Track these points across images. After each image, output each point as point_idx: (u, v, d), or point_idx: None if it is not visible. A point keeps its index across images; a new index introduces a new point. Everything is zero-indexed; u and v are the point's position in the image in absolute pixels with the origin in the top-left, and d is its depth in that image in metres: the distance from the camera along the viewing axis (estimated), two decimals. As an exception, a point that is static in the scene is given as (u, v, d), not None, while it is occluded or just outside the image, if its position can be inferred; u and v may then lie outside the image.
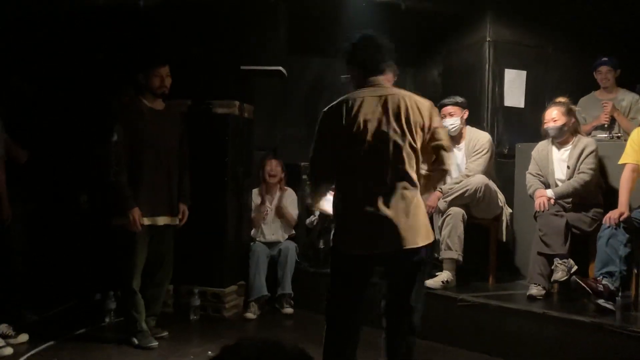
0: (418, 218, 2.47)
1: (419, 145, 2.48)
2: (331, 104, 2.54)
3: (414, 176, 2.49)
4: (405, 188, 2.45)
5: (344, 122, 2.45)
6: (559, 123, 4.01)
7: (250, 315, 4.50)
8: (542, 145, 4.21)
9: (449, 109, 4.39)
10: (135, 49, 4.54)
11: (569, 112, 4.07)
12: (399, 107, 2.46)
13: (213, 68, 4.59)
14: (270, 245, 4.78)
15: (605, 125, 4.68)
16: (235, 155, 4.58)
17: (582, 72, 5.18)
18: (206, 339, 3.93)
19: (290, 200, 4.90)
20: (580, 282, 3.56)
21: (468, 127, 4.47)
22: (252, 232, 4.83)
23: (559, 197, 3.99)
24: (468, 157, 4.37)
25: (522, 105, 5.26)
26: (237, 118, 4.60)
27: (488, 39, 5.21)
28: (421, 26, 5.46)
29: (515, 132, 5.15)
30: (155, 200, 3.61)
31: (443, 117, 4.39)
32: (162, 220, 3.69)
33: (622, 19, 5.22)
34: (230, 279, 4.60)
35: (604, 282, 3.56)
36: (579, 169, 3.97)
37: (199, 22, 4.65)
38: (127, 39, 4.64)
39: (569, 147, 4.05)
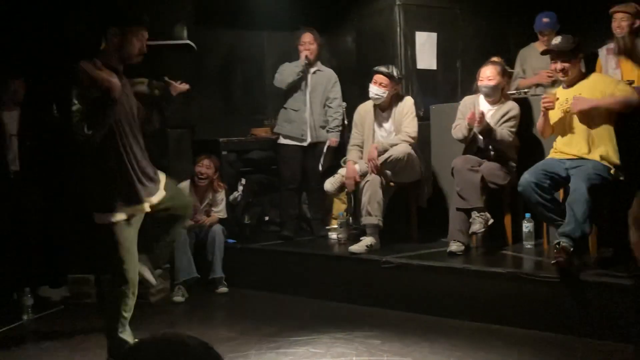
0: None
1: None
2: None
3: None
4: None
5: None
6: (493, 82, 4.04)
7: (178, 298, 4.41)
8: (469, 98, 4.23)
9: (381, 78, 4.26)
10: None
11: (503, 73, 4.13)
12: None
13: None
14: (194, 225, 4.67)
15: (546, 84, 4.62)
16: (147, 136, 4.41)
17: (491, 31, 5.31)
18: (134, 327, 3.82)
19: (220, 199, 4.73)
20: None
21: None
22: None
23: (488, 131, 3.94)
24: (398, 122, 4.31)
25: (434, 67, 5.35)
26: (146, 96, 4.41)
27: (398, 2, 5.22)
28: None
29: (429, 94, 5.24)
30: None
31: (374, 82, 4.30)
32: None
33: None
34: (155, 263, 4.48)
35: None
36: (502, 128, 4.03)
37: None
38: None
39: (496, 107, 4.10)
